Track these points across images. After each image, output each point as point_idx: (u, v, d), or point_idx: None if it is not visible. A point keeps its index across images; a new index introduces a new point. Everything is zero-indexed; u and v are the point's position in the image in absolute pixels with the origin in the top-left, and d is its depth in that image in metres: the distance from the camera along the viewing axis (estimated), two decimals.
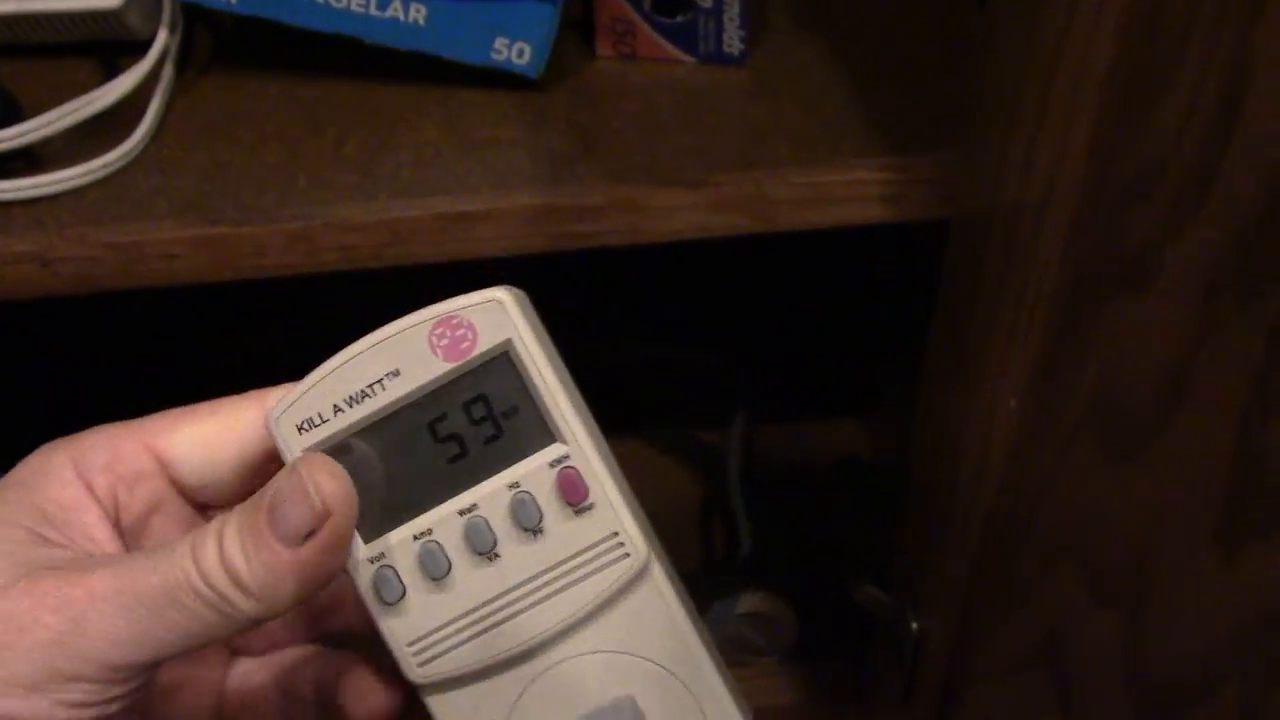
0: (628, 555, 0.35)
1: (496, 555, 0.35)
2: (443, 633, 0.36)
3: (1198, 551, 0.35)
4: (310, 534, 0.32)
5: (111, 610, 0.31)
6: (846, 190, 0.51)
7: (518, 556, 0.35)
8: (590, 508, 0.35)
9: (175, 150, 0.53)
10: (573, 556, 0.35)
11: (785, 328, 0.96)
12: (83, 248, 0.49)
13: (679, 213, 0.51)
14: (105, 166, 0.51)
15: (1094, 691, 0.42)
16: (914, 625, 0.60)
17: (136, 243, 0.49)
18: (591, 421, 0.37)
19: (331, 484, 0.32)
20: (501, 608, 0.36)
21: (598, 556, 0.35)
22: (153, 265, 0.50)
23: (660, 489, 0.85)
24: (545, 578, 0.35)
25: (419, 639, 0.36)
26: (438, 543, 0.35)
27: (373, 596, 0.36)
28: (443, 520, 0.35)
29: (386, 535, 0.36)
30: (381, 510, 0.35)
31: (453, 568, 0.35)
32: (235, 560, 0.31)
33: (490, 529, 0.35)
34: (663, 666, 0.37)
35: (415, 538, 0.35)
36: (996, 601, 0.51)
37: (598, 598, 0.35)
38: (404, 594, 0.35)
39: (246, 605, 0.31)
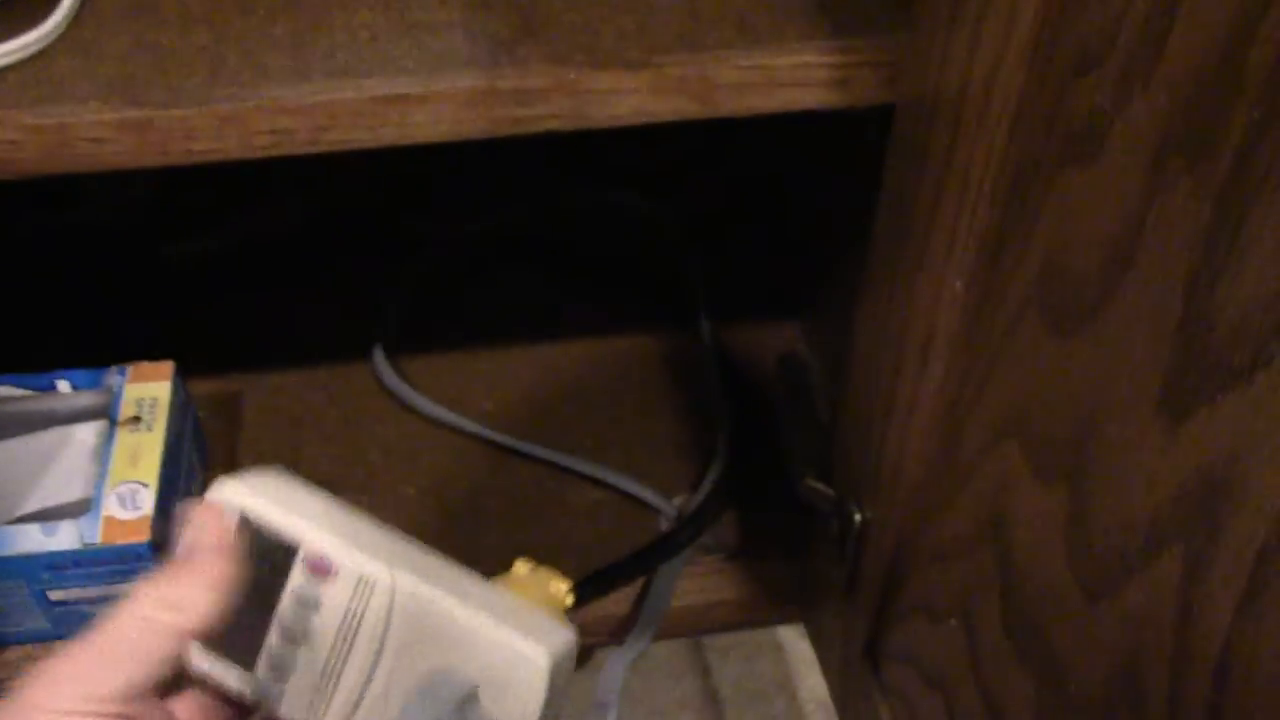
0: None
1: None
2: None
3: (1143, 420, 0.35)
4: None
5: None
6: (791, 74, 0.51)
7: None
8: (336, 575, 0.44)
9: (97, 31, 0.51)
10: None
11: (725, 232, 0.95)
12: (4, 131, 0.47)
13: (622, 96, 0.50)
14: (24, 48, 0.49)
15: (1036, 568, 0.43)
16: (857, 517, 0.60)
17: (61, 125, 0.47)
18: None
19: None
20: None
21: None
22: (79, 149, 0.48)
23: (632, 387, 0.85)
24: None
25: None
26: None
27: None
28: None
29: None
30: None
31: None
32: None
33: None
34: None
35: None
36: (940, 486, 0.52)
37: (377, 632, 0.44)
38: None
39: None
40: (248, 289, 0.91)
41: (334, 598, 0.44)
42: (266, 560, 0.44)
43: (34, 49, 0.49)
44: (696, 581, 0.76)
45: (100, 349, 0.78)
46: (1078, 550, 0.40)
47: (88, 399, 0.75)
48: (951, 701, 0.54)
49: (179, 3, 0.52)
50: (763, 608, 0.76)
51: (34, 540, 0.66)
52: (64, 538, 0.67)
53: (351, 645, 0.44)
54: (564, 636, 0.46)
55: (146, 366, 0.75)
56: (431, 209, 0.96)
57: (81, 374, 0.74)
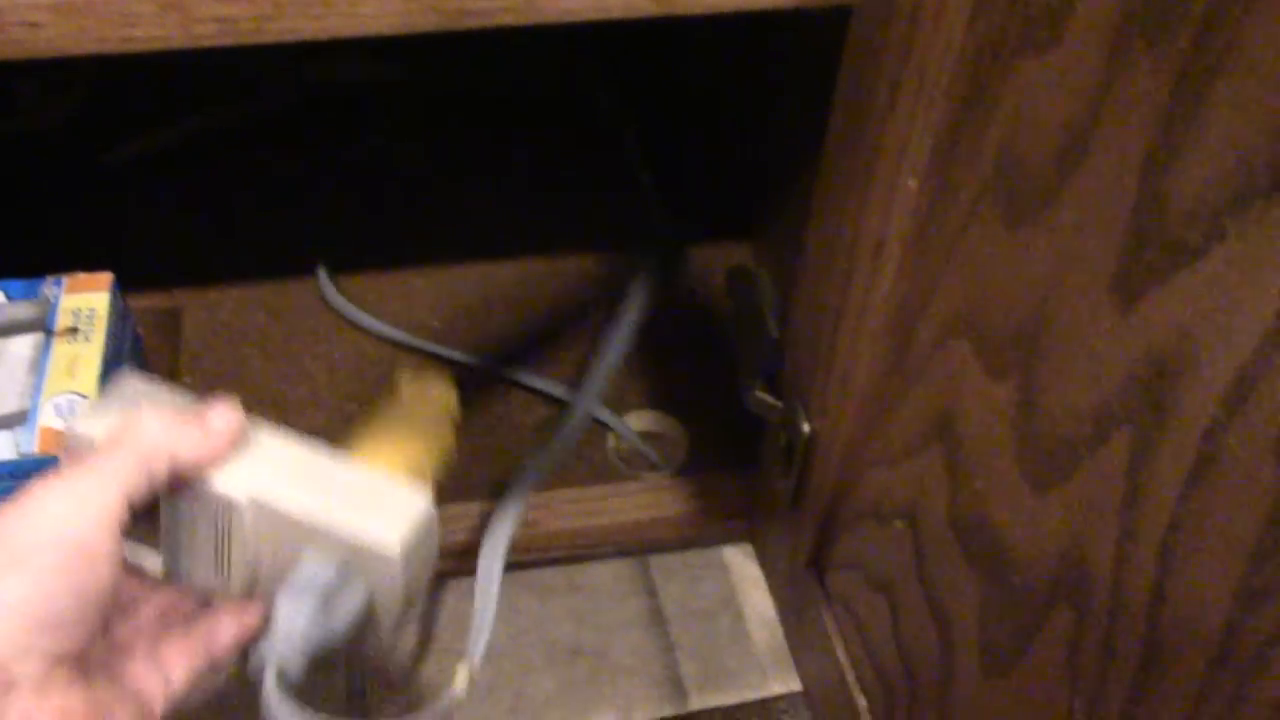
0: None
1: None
2: None
3: (1095, 305, 0.35)
4: None
5: None
6: None
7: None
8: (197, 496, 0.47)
9: None
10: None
11: (673, 152, 0.95)
12: None
13: None
14: None
15: (984, 464, 0.43)
16: (805, 427, 0.61)
17: None
18: None
19: None
20: None
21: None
22: (13, 34, 0.46)
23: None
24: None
25: None
26: None
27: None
28: None
29: None
30: None
31: None
32: None
33: None
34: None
35: None
36: (889, 391, 0.52)
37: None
38: None
39: None
40: (188, 203, 0.89)
41: (202, 512, 0.48)
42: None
43: None
44: (642, 498, 0.76)
45: (37, 259, 0.76)
46: (1026, 443, 0.40)
47: (23, 310, 0.73)
48: (896, 603, 0.54)
49: None
50: (709, 524, 0.76)
51: None
52: (0, 448, 0.65)
53: (229, 546, 0.48)
54: (417, 511, 0.48)
55: (84, 277, 0.73)
56: (378, 119, 0.94)
57: (17, 284, 0.73)
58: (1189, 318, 0.32)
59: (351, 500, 0.48)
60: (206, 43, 0.48)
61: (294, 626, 0.48)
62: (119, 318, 0.73)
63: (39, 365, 0.69)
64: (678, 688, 0.83)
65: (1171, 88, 0.31)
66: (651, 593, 0.89)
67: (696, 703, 0.82)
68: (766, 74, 0.78)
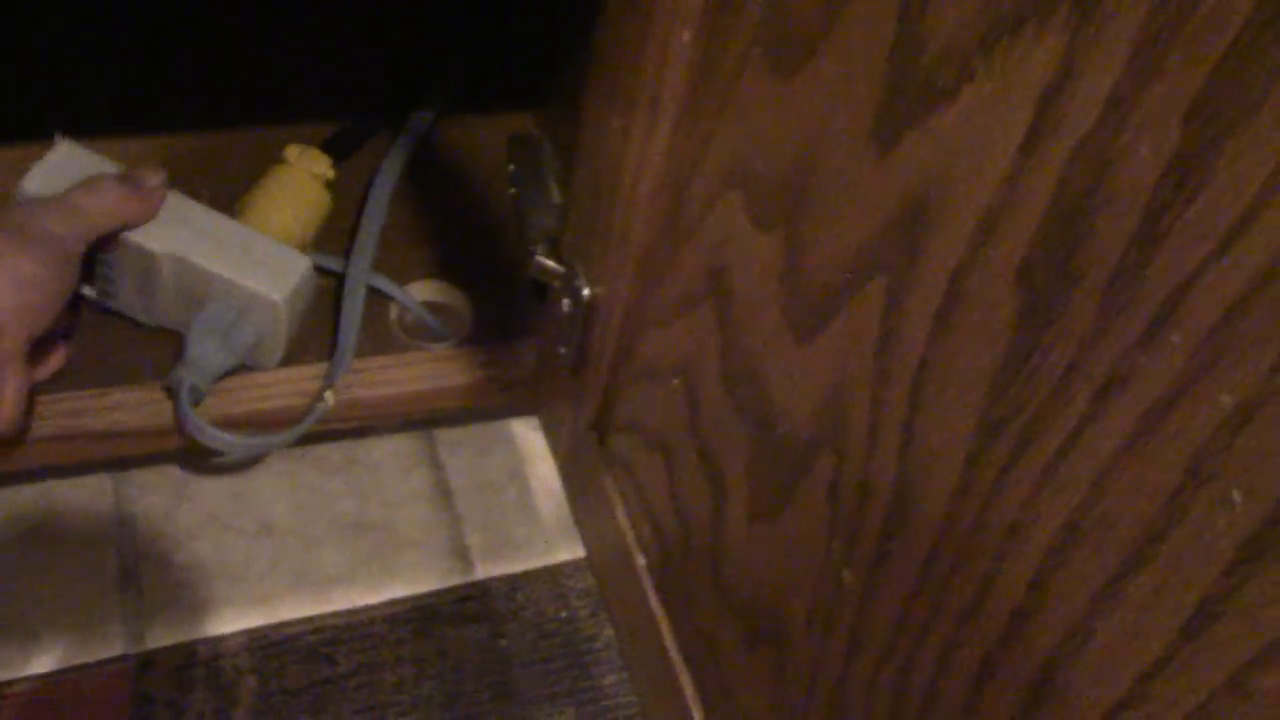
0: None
1: None
2: None
3: (856, 153, 0.35)
4: None
5: None
6: None
7: None
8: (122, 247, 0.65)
9: None
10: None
11: (454, 19, 0.92)
12: None
13: None
14: None
15: (752, 317, 0.44)
16: (586, 291, 0.60)
17: None
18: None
19: None
20: None
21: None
22: None
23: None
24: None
25: None
26: None
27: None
28: None
29: None
30: None
31: None
32: None
33: None
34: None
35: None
36: (665, 249, 0.52)
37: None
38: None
39: None
40: None
41: (129, 259, 0.65)
42: None
43: None
44: (426, 368, 0.75)
45: None
46: (791, 293, 0.41)
47: None
48: (671, 460, 0.55)
49: None
50: (494, 394, 0.76)
51: None
52: None
53: (151, 286, 0.66)
54: (299, 267, 0.66)
55: None
56: None
57: None
58: (941, 160, 0.32)
59: (248, 257, 0.65)
60: None
61: (202, 354, 0.64)
62: None
63: None
64: (463, 558, 0.83)
65: None
66: (437, 466, 0.89)
67: (482, 572, 0.82)
68: None
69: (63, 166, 0.64)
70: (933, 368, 0.34)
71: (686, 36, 0.45)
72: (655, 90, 0.48)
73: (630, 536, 0.64)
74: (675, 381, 0.53)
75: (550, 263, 0.63)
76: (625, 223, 0.54)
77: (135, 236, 0.64)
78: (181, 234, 0.65)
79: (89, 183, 0.60)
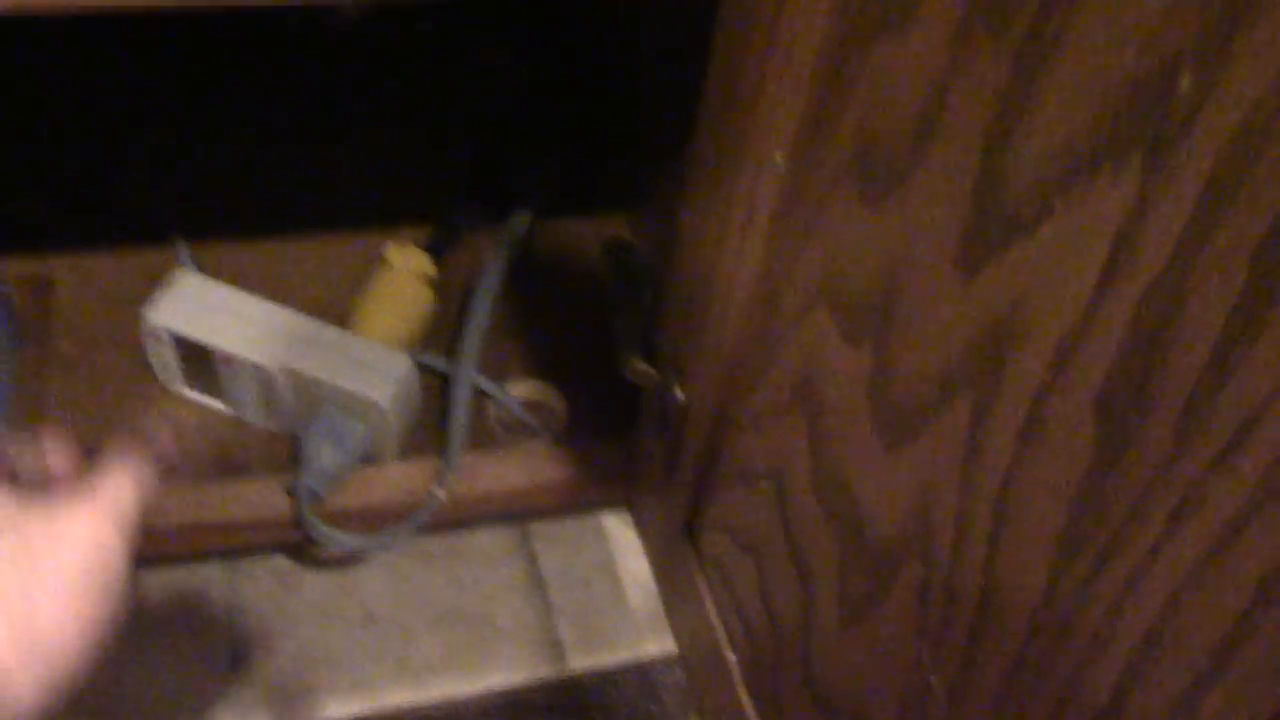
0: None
1: None
2: None
3: (940, 277, 0.37)
4: None
5: None
6: None
7: None
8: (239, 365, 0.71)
9: None
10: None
11: (552, 125, 0.96)
12: None
13: None
14: None
15: (842, 425, 0.46)
16: (679, 395, 0.63)
17: None
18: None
19: None
20: None
21: None
22: None
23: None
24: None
25: None
26: None
27: None
28: None
29: None
30: None
31: None
32: None
33: None
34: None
35: None
36: (756, 357, 0.54)
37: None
38: None
39: None
40: (56, 171, 0.88)
41: (243, 374, 0.70)
42: (194, 355, 0.71)
43: None
44: (523, 465, 0.77)
45: None
46: (879, 405, 0.43)
47: None
48: (762, 561, 0.57)
49: None
50: (588, 490, 0.78)
51: None
52: None
53: (267, 395, 0.71)
54: (400, 370, 0.71)
55: None
56: (234, 88, 0.94)
57: None
58: (1022, 289, 0.34)
59: (353, 362, 0.70)
60: None
61: (317, 459, 0.69)
62: None
63: None
64: (557, 650, 0.85)
65: (1009, 72, 0.34)
66: (531, 558, 0.91)
67: (575, 665, 0.84)
68: (640, 51, 0.79)
69: (186, 296, 0.72)
70: (1017, 483, 0.36)
71: (780, 160, 0.48)
72: (749, 206, 0.51)
73: (721, 633, 0.65)
74: (765, 485, 0.54)
75: (644, 366, 0.66)
76: (718, 331, 0.56)
77: (249, 353, 0.69)
78: (290, 345, 0.70)
79: (116, 478, 0.47)
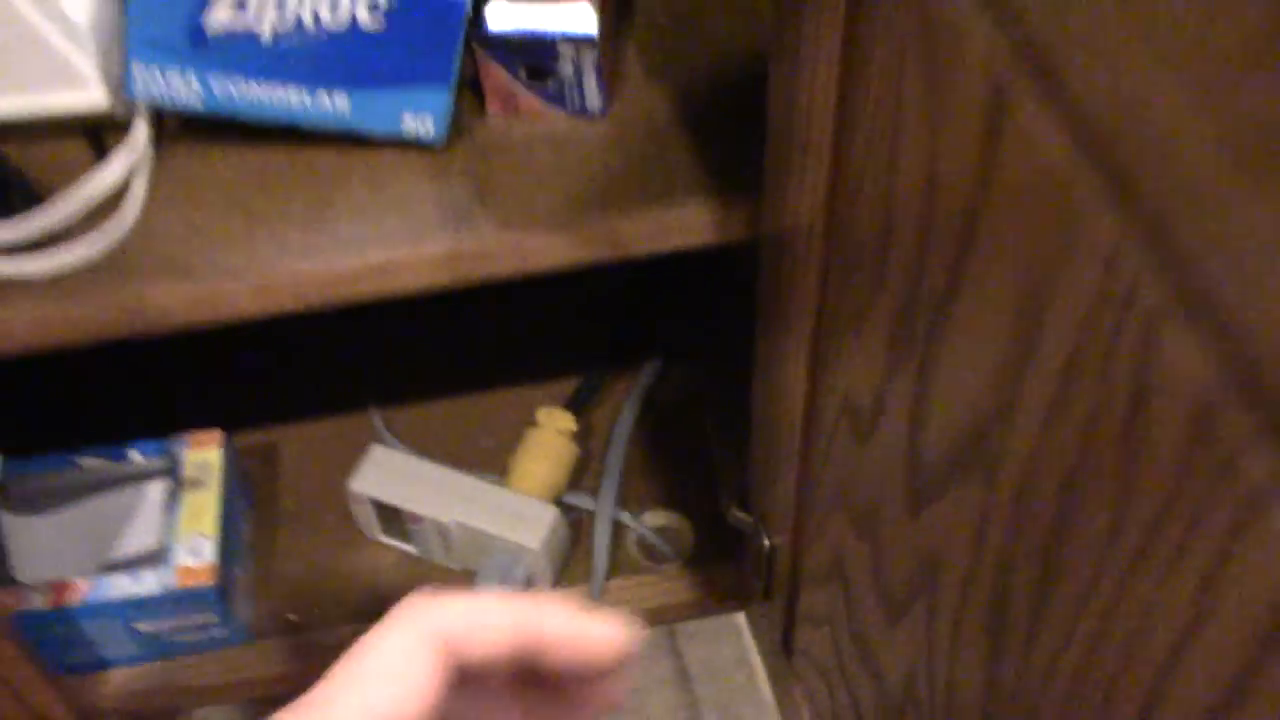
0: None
1: None
2: None
3: (898, 506, 0.51)
4: None
5: None
6: (683, 222, 0.67)
7: None
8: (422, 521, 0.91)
9: (158, 218, 0.67)
10: None
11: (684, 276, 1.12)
12: (94, 309, 0.64)
13: (554, 250, 0.66)
14: (106, 238, 0.65)
15: (861, 596, 0.60)
16: (766, 542, 0.77)
17: (138, 303, 0.64)
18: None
19: None
20: None
21: None
22: (150, 317, 0.65)
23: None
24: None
25: None
26: None
27: None
28: None
29: None
30: None
31: None
32: None
33: None
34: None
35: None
36: (806, 536, 0.68)
37: None
38: None
39: None
40: (277, 356, 1.08)
41: (427, 528, 0.90)
42: (388, 513, 0.91)
43: (114, 240, 0.65)
44: (655, 586, 0.93)
45: (162, 418, 0.95)
46: (880, 585, 0.57)
47: (156, 463, 0.92)
48: (833, 689, 0.71)
49: (218, 189, 0.68)
50: (711, 606, 0.93)
51: (123, 587, 0.84)
52: (146, 584, 0.84)
53: (446, 542, 0.91)
54: (549, 515, 0.88)
55: (201, 435, 0.92)
56: None
57: (149, 444, 0.92)
58: (949, 532, 0.48)
59: (510, 515, 0.88)
60: (289, 311, 0.66)
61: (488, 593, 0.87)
62: (230, 466, 0.92)
63: (169, 509, 0.88)
64: None
65: (916, 378, 0.47)
66: (677, 655, 1.06)
67: None
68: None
69: (379, 466, 0.90)
70: (955, 666, 0.49)
71: (804, 387, 0.62)
72: (791, 425, 0.65)
73: None
74: (826, 629, 0.68)
75: (742, 515, 0.81)
76: (785, 505, 0.71)
77: (429, 511, 0.89)
78: (461, 503, 0.89)
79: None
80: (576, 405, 0.99)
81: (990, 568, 0.45)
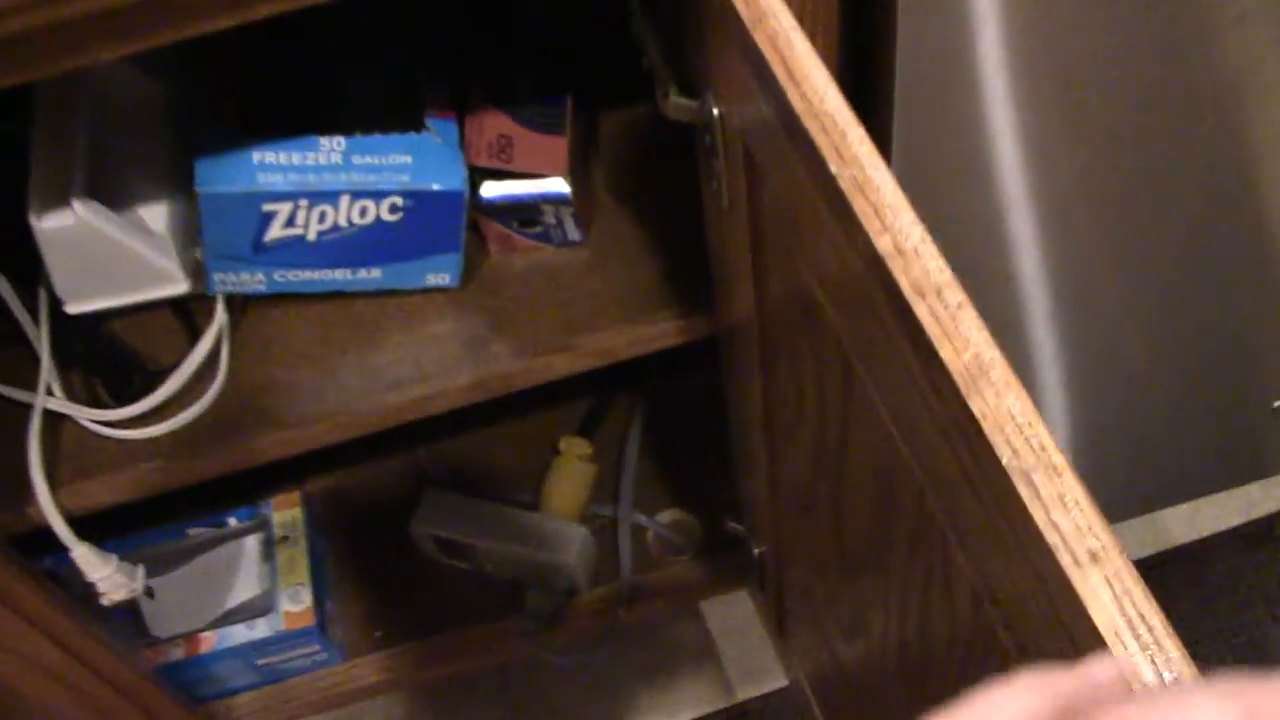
0: None
1: None
2: None
3: (836, 569, 0.70)
4: None
5: None
6: (657, 332, 0.84)
7: None
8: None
9: (245, 376, 0.84)
10: None
11: None
12: (212, 460, 0.82)
13: (557, 367, 0.84)
14: (207, 400, 0.83)
15: (825, 611, 0.79)
16: (755, 550, 0.96)
17: (243, 451, 0.82)
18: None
19: None
20: None
21: None
22: (250, 458, 0.83)
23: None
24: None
25: None
26: None
27: None
28: None
29: None
30: None
31: None
32: None
33: None
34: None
35: None
36: (784, 551, 0.87)
37: None
38: None
39: None
40: None
41: (478, 551, 1.07)
42: (446, 543, 1.08)
43: (209, 402, 0.83)
44: (674, 576, 1.12)
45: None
46: (834, 612, 0.76)
47: (249, 525, 1.11)
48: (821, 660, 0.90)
49: (285, 344, 0.86)
50: (722, 586, 1.12)
51: (242, 635, 1.04)
52: (260, 629, 1.04)
53: (495, 561, 1.08)
54: (579, 533, 1.06)
55: (282, 497, 1.11)
56: None
57: (243, 511, 1.10)
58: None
59: (548, 538, 1.06)
60: (339, 441, 0.84)
61: (534, 603, 1.08)
62: (312, 520, 1.11)
63: (267, 562, 1.07)
64: (726, 687, 1.20)
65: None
66: (699, 617, 1.26)
67: (740, 695, 1.20)
68: None
69: (435, 505, 1.10)
70: None
71: (764, 456, 0.80)
72: (766, 476, 0.83)
73: (808, 691, 0.99)
74: (808, 625, 0.87)
75: (735, 524, 0.99)
76: (764, 507, 0.89)
77: (479, 539, 1.06)
78: (505, 529, 1.07)
79: None
80: (589, 428, 1.17)
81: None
